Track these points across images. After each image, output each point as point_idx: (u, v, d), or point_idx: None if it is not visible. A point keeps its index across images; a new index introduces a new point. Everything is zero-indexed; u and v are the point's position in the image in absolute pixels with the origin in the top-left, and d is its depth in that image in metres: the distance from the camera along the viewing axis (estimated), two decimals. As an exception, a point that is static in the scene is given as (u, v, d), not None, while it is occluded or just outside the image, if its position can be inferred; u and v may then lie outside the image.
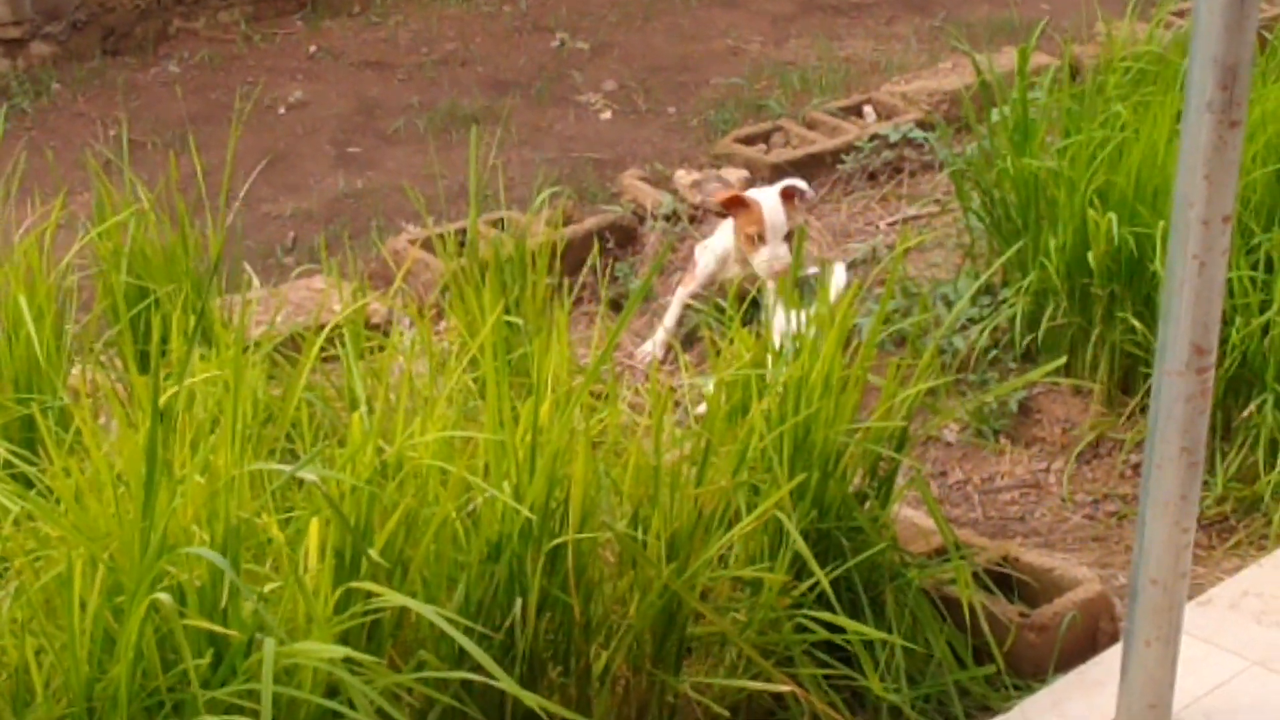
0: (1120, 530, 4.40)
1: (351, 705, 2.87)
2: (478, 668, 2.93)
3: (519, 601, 3.22)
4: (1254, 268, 4.49)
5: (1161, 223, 4.45)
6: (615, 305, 5.38)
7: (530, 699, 2.97)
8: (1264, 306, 4.43)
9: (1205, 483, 4.39)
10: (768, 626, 3.51)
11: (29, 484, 3.25)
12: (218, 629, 2.87)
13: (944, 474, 4.67)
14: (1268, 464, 4.39)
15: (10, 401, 3.75)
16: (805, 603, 3.55)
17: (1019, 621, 3.81)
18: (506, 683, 2.90)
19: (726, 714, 3.47)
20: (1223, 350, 4.41)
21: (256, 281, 4.64)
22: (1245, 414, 4.46)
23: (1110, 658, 3.73)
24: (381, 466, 3.15)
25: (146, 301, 4.26)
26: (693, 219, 5.86)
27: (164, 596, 2.80)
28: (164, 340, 3.63)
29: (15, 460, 3.29)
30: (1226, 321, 4.43)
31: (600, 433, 3.52)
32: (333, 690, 2.92)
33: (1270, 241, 4.53)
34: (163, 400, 3.18)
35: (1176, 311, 3.19)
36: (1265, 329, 4.42)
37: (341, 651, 2.84)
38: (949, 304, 4.98)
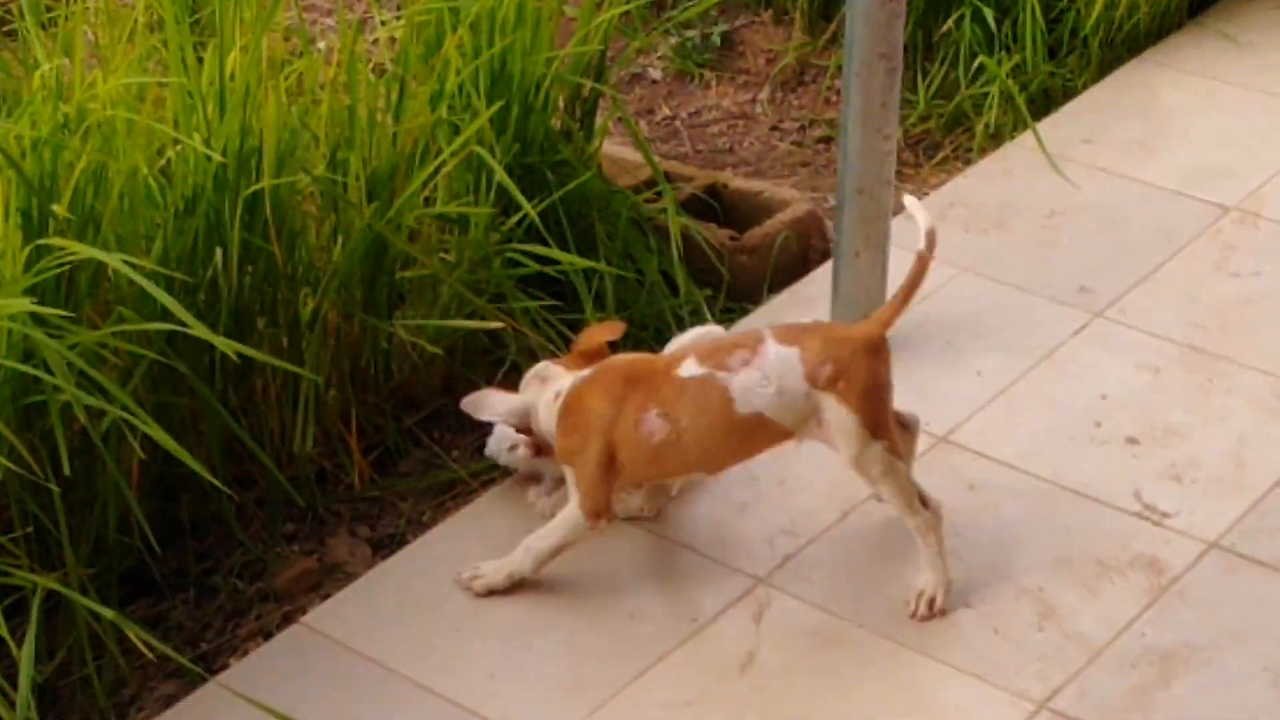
0: (827, 154, 4.43)
1: (49, 369, 2.80)
2: (182, 321, 2.87)
3: (219, 252, 3.16)
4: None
5: None
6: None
7: (236, 349, 2.92)
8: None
9: (909, 101, 4.43)
10: (477, 264, 3.49)
11: None
12: (-99, 296, 2.77)
13: (651, 111, 4.65)
14: (967, 78, 4.44)
15: None
16: (515, 237, 3.53)
17: (730, 245, 3.83)
18: (202, 330, 2.84)
19: (441, 353, 3.45)
20: (920, -35, 4.43)
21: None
22: (944, 29, 4.49)
23: (822, 274, 3.79)
24: (64, 120, 3.04)
25: None
26: None
27: None
28: None
29: None
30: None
31: (295, 83, 3.42)
32: (29, 357, 2.84)
33: None
34: None
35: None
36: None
37: (29, 305, 2.74)
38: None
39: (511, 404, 3.20)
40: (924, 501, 3.07)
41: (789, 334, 3.05)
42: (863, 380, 3.00)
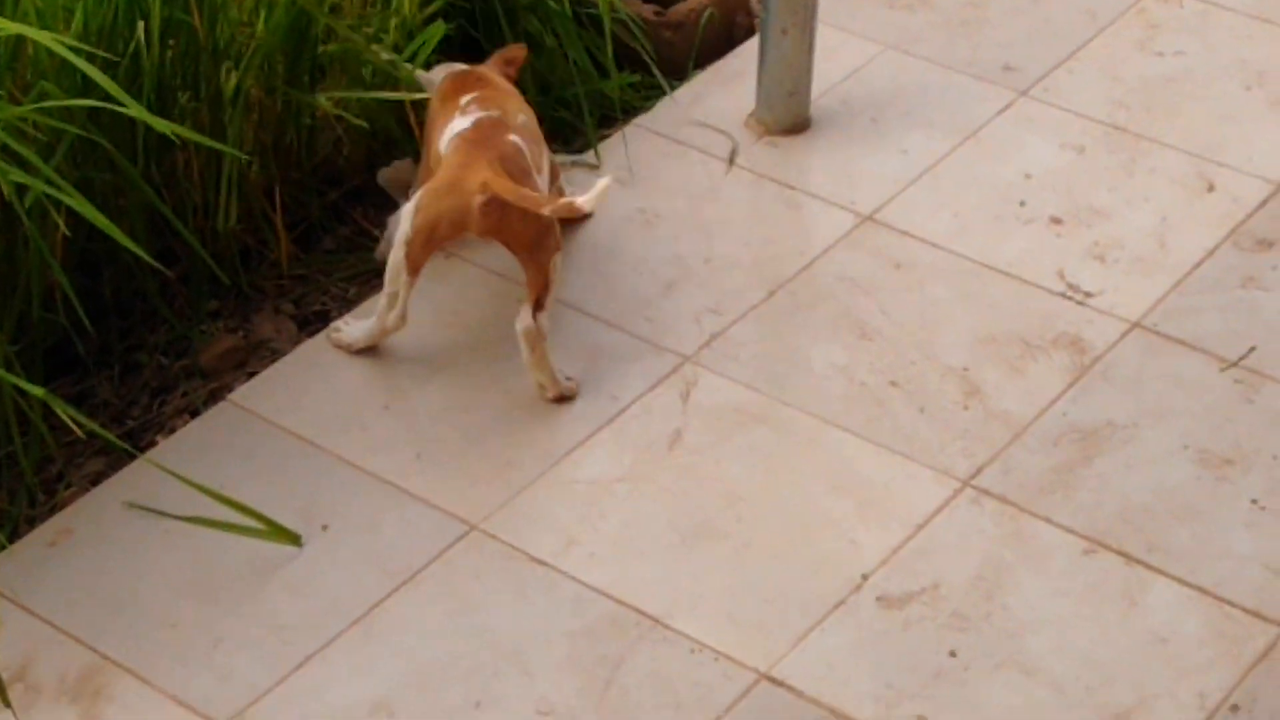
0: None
1: (-29, 143, 2.76)
2: (104, 96, 2.82)
3: (140, 25, 3.09)
4: None
5: None
6: None
7: (160, 124, 2.87)
8: None
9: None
10: (401, 38, 3.44)
11: None
12: None
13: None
14: None
15: None
16: (439, 13, 3.47)
17: (655, 20, 3.79)
18: (135, 108, 2.80)
19: (365, 125, 3.42)
20: None
21: None
22: None
23: (748, 50, 3.76)
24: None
25: None
26: None
27: None
28: None
29: None
30: None
31: None
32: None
33: None
34: None
35: None
36: None
37: (-49, 80, 2.70)
38: None
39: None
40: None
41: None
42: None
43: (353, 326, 3.19)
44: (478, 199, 2.98)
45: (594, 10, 3.62)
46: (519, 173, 3.03)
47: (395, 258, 3.06)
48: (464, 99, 3.18)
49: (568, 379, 3.13)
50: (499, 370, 3.15)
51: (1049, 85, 3.75)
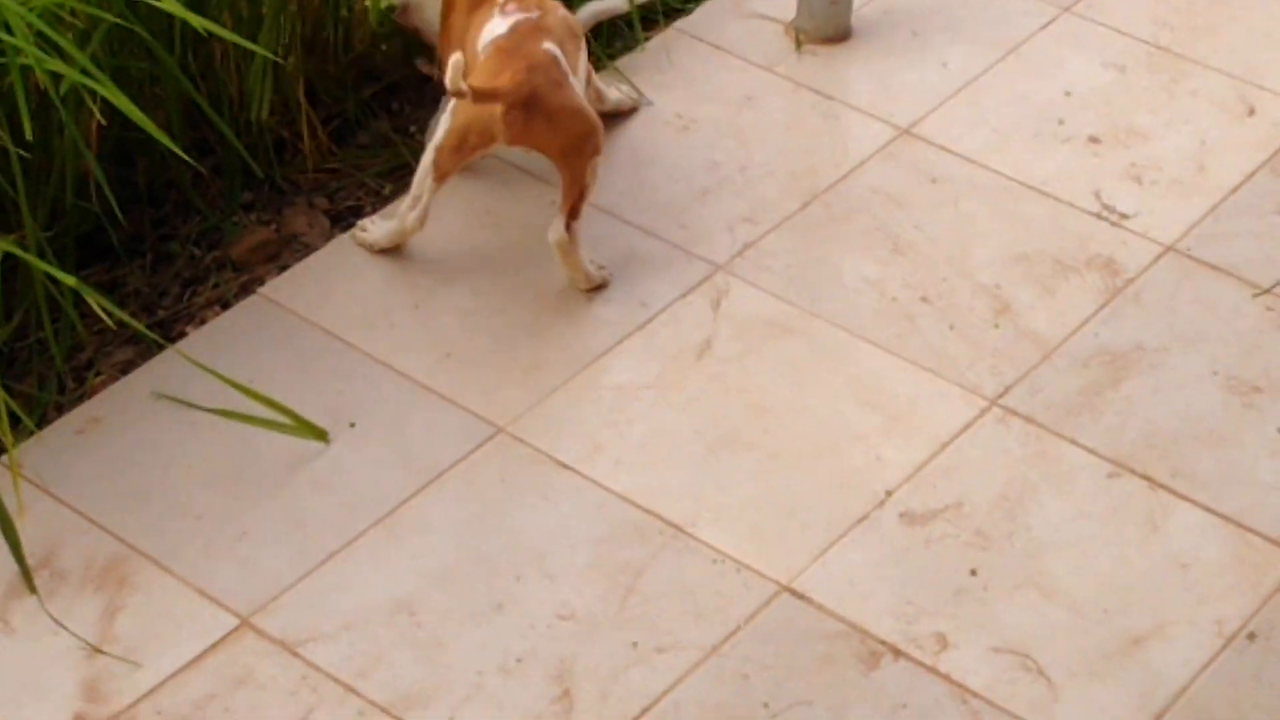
0: None
1: (9, 30, 2.75)
2: (141, -17, 2.82)
3: (181, -86, 3.08)
4: None
5: None
6: None
7: (195, 19, 2.87)
8: None
9: None
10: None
11: None
12: None
13: None
14: None
15: None
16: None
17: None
18: (169, 3, 2.80)
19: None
20: None
21: None
22: None
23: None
24: None
25: None
26: None
27: None
28: None
29: None
30: None
31: None
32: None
33: None
34: None
35: None
36: None
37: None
38: None
39: None
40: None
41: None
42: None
43: (377, 226, 3.18)
44: (498, 108, 2.97)
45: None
46: (550, 83, 3.01)
47: (425, 161, 3.06)
48: None
49: (600, 268, 3.13)
50: (531, 273, 3.15)
51: (1092, 2, 3.72)
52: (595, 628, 2.68)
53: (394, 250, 3.18)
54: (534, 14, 3.10)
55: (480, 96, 2.97)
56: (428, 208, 3.10)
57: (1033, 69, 3.58)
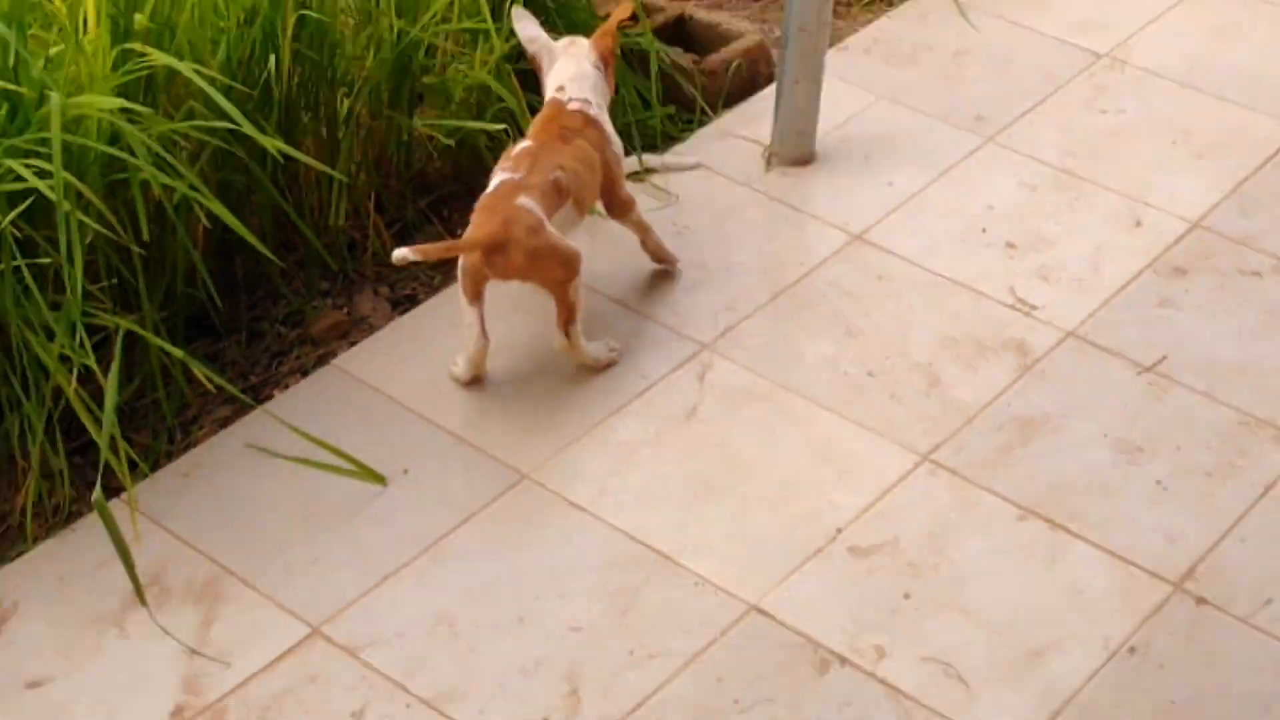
0: (775, -8, 4.39)
1: (132, 152, 2.81)
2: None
3: (272, 59, 3.14)
4: None
5: None
6: None
7: (276, 147, 2.93)
8: None
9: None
10: (489, 74, 3.48)
11: None
12: (10, 86, 2.76)
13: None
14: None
15: None
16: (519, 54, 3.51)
17: (693, 67, 3.82)
18: (251, 130, 2.87)
19: (452, 145, 3.45)
20: None
21: None
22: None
23: (767, 96, 3.78)
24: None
25: None
26: None
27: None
28: None
29: None
30: None
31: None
32: (115, 140, 2.84)
33: None
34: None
35: None
36: None
37: (118, 102, 2.75)
38: None
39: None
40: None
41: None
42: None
43: (459, 362, 3.13)
44: (476, 256, 3.00)
45: (643, 52, 3.66)
46: (526, 230, 2.97)
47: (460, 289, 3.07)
48: (514, 150, 3.12)
49: (612, 349, 3.15)
50: (552, 353, 3.18)
51: (1012, 133, 3.76)
52: (599, 638, 2.70)
53: (478, 375, 3.12)
54: (518, 175, 3.05)
55: (455, 250, 3.02)
56: (475, 324, 3.06)
57: (962, 188, 3.62)
